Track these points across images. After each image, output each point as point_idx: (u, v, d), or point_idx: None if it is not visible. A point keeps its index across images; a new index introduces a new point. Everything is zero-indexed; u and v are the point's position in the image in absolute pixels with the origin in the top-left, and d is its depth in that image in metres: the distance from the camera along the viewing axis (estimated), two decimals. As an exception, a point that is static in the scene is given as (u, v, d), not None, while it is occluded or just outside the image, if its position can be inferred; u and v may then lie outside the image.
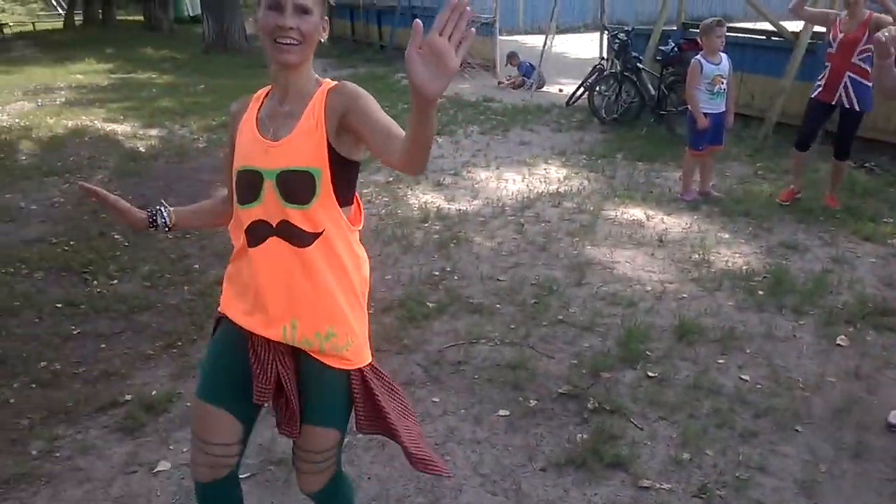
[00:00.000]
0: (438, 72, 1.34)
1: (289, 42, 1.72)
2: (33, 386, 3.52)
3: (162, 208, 2.05)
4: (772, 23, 8.35)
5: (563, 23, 14.47)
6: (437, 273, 4.78)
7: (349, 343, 1.86)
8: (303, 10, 1.72)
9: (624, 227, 5.57)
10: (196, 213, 2.13)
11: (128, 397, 3.39)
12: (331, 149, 1.76)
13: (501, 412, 3.24)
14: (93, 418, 3.25)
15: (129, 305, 4.33)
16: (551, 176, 7.09)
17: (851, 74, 5.47)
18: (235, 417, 1.92)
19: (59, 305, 4.36)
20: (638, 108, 9.29)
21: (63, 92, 12.50)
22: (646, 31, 10.25)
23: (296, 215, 1.77)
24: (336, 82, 1.82)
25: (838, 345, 3.79)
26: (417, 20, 1.36)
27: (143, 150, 8.17)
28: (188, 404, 3.33)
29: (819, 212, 5.78)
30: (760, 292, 4.39)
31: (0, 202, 6.31)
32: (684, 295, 4.40)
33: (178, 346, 3.89)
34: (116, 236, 5.47)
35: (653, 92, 9.01)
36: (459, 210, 6.06)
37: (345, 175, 1.80)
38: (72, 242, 5.33)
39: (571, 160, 7.69)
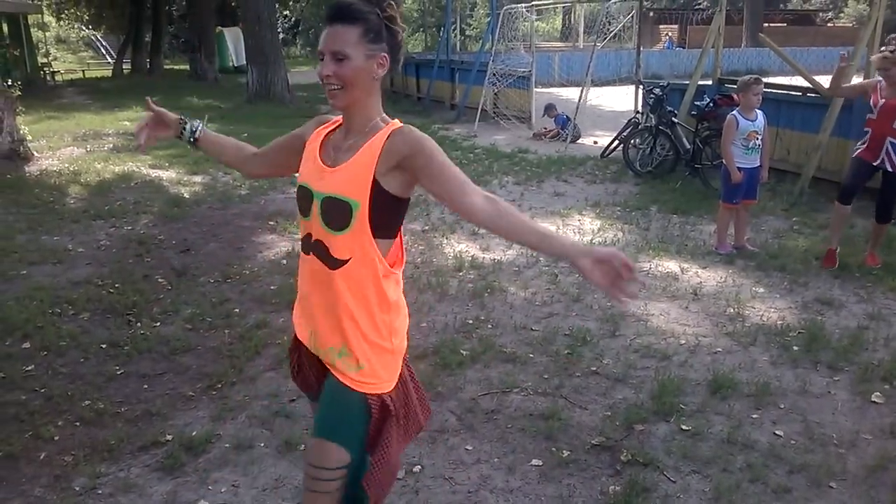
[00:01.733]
0: (609, 282, 1.71)
1: (331, 87, 1.88)
2: (77, 424, 3.63)
3: (197, 122, 2.23)
4: (807, 79, 8.41)
5: (598, 76, 14.69)
6: (471, 321, 4.85)
7: (361, 366, 1.93)
8: (340, 57, 1.85)
9: (658, 280, 5.59)
10: (222, 144, 2.32)
11: (169, 437, 3.48)
12: (376, 184, 1.85)
13: (534, 462, 3.26)
14: (135, 457, 3.34)
15: (171, 347, 4.45)
16: (585, 227, 7.16)
17: (892, 139, 5.49)
18: None
19: (104, 346, 4.49)
20: (672, 161, 9.36)
21: (111, 138, 12.94)
22: (681, 85, 10.37)
23: (329, 239, 1.91)
24: (401, 125, 1.92)
25: (873, 402, 3.76)
26: None
27: (187, 196, 8.43)
28: (227, 445, 3.41)
29: (855, 268, 5.74)
30: (795, 348, 4.37)
31: (48, 244, 6.54)
32: (718, 349, 4.40)
33: (217, 388, 3.98)
34: (160, 280, 5.63)
35: (688, 146, 9.09)
36: (494, 259, 6.14)
37: (387, 210, 1.89)
38: (117, 285, 5.50)
39: (606, 212, 7.75)
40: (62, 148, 11.77)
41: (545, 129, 13.19)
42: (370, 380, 1.94)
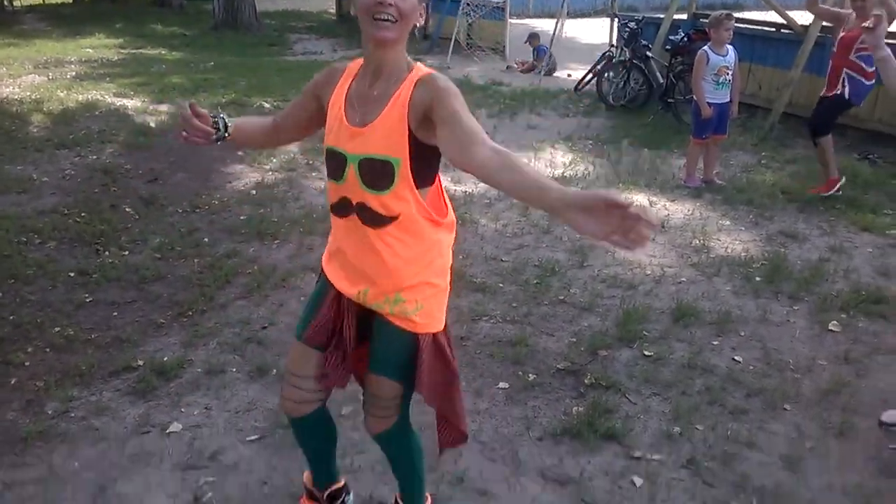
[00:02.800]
0: (602, 225, 1.38)
1: (386, 18, 1.77)
2: (47, 350, 3.63)
3: (223, 116, 2.11)
4: (781, 15, 8.39)
5: (573, 8, 14.46)
6: (441, 252, 4.88)
7: (418, 307, 1.98)
8: None
9: (626, 212, 5.64)
10: (249, 133, 2.21)
11: (140, 363, 3.50)
12: (412, 137, 1.83)
13: (501, 385, 3.35)
14: (106, 381, 3.36)
15: (141, 276, 4.44)
16: (557, 160, 7.18)
17: (849, 71, 5.58)
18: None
19: (72, 274, 4.46)
20: (645, 95, 9.36)
21: (73, 66, 12.54)
22: (656, 19, 10.28)
23: (373, 200, 1.87)
24: (427, 71, 1.88)
25: (830, 330, 3.89)
26: None
27: (153, 125, 8.25)
28: (199, 370, 3.45)
29: (819, 202, 5.86)
30: (758, 278, 4.48)
31: (13, 174, 6.40)
32: (683, 279, 4.50)
33: (188, 315, 4.00)
34: (127, 209, 5.57)
35: (661, 80, 9.07)
36: (465, 192, 6.14)
37: (425, 160, 1.88)
38: (83, 214, 5.43)
39: (578, 145, 7.76)
40: (23, 76, 11.38)
41: (519, 61, 13.04)
42: (425, 320, 2.01)
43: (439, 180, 2.00)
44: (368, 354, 2.10)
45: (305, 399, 2.16)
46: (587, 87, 10.50)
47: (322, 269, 2.16)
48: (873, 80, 5.54)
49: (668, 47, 9.02)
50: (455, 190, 6.17)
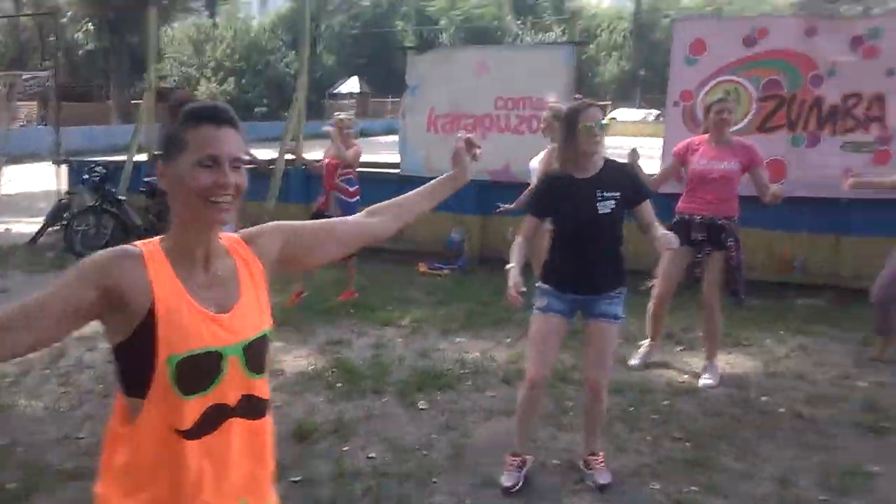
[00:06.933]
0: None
1: (227, 202, 1.57)
2: None
3: None
4: (249, 156, 9.24)
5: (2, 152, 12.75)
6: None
7: None
8: (237, 165, 1.59)
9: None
10: None
11: None
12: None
13: None
14: None
15: None
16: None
17: (337, 193, 6.65)
18: None
19: None
20: (122, 238, 9.13)
21: None
22: (121, 163, 10.20)
23: (258, 385, 1.66)
24: (246, 230, 1.76)
25: (422, 409, 4.54)
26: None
27: None
28: None
29: (336, 310, 6.65)
30: (339, 385, 4.92)
31: None
32: (278, 403, 4.65)
33: None
34: None
35: (139, 222, 9.05)
36: None
37: None
38: None
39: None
40: None
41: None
42: None
43: None
44: None
45: None
46: (49, 238, 9.74)
47: None
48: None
49: (143, 189, 9.04)
50: None
